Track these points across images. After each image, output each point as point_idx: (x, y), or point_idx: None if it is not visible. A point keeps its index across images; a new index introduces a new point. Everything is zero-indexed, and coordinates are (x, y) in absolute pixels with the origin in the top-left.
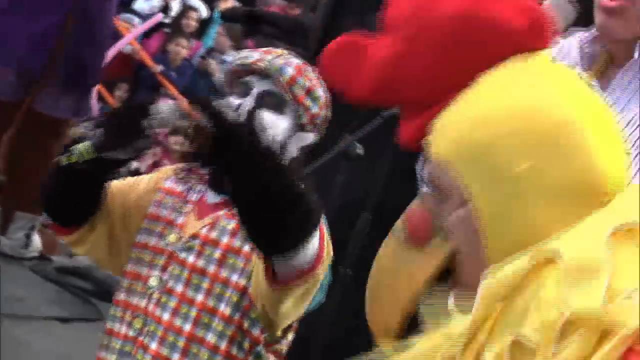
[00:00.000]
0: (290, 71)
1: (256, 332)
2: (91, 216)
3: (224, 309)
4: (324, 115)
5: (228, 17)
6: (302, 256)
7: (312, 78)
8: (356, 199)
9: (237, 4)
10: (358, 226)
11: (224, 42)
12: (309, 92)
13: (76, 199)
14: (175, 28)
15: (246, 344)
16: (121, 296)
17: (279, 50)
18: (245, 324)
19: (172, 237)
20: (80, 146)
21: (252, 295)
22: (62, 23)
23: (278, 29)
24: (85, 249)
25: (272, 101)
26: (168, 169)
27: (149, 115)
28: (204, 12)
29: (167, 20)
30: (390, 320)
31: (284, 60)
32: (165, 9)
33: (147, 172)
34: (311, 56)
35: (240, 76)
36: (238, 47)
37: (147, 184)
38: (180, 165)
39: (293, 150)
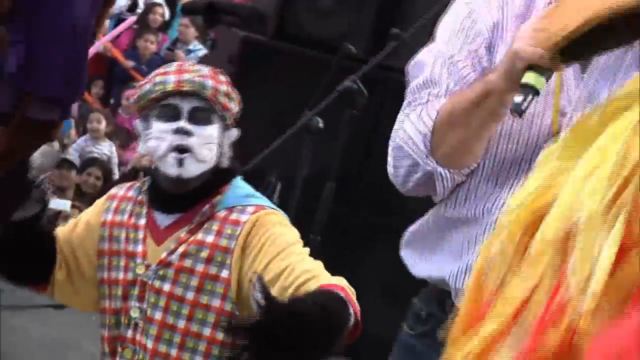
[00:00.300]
0: (210, 83)
1: None
2: (53, 268)
3: (212, 333)
4: (239, 109)
5: (188, 10)
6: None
7: (225, 81)
8: (320, 170)
9: None
10: (324, 195)
11: (187, 32)
12: (228, 95)
13: (25, 264)
14: (142, 24)
15: None
16: (106, 333)
17: (189, 65)
18: None
19: (139, 268)
20: None
21: (241, 313)
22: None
23: (237, 17)
24: (57, 297)
25: (202, 115)
26: (100, 201)
27: (28, 169)
28: (166, 10)
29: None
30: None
31: (200, 75)
32: (133, 7)
33: (138, 163)
34: (268, 40)
35: (159, 100)
36: (203, 36)
37: (85, 224)
38: (111, 194)
39: (226, 150)
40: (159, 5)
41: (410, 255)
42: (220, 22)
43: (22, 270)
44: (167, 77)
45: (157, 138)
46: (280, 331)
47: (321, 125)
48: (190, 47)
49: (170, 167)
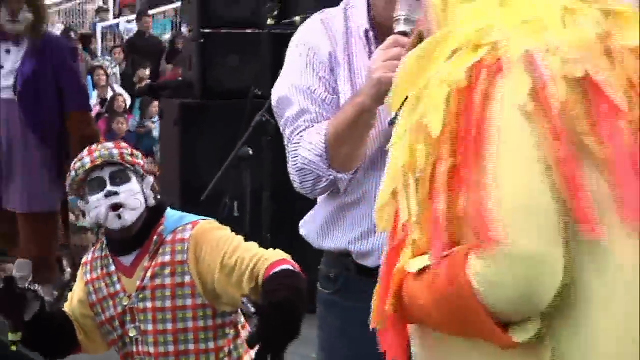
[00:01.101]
0: (116, 150)
1: (230, 318)
2: (76, 335)
3: (195, 324)
4: (145, 159)
5: (138, 93)
6: None
7: (126, 145)
8: (259, 184)
9: (149, 81)
10: (264, 203)
11: (153, 111)
12: (133, 153)
13: (57, 345)
14: (111, 111)
15: (229, 330)
16: (120, 353)
17: (96, 145)
18: (219, 321)
19: (124, 300)
20: (9, 336)
21: (211, 301)
22: None
23: (171, 90)
24: (89, 352)
25: (121, 175)
26: (80, 270)
27: (15, 281)
28: (128, 96)
29: (104, 108)
30: None
31: (106, 147)
32: (103, 101)
33: None
34: (199, 100)
35: (86, 179)
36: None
37: (78, 294)
38: (84, 261)
39: (150, 192)
40: (120, 94)
41: (313, 233)
42: (161, 96)
43: (58, 350)
44: (83, 159)
45: (96, 207)
46: (277, 322)
47: (252, 152)
48: (154, 118)
49: (113, 222)
